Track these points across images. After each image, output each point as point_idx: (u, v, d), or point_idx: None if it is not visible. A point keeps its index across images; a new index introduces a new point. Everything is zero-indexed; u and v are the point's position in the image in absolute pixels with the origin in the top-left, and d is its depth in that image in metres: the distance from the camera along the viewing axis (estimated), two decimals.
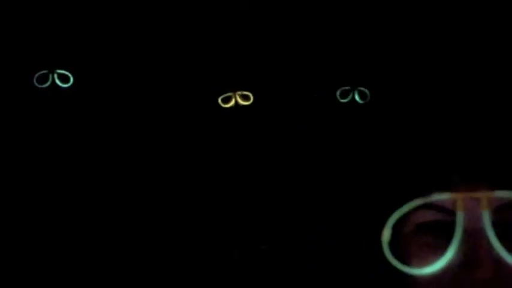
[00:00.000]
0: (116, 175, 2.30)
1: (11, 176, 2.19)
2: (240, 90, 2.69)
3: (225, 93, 2.68)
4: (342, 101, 2.66)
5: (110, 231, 2.11)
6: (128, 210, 2.19)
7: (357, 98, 2.66)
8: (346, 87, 2.68)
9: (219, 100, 2.67)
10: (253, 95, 2.69)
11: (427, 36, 2.55)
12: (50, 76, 2.42)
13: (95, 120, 2.45)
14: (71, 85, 2.45)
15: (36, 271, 1.99)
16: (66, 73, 2.45)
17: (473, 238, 0.53)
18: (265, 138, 2.58)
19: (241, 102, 2.67)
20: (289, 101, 2.69)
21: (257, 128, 2.64)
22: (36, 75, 2.42)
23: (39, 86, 2.41)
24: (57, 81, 2.42)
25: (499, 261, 0.53)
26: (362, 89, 2.67)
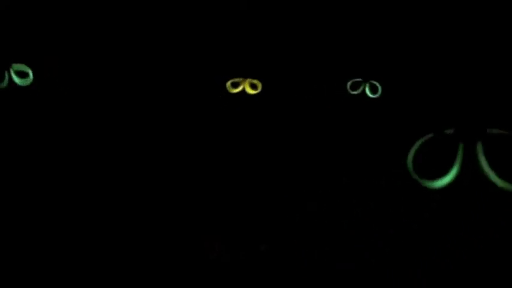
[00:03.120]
0: (118, 164, 2.29)
1: None
2: (250, 78, 2.75)
3: (236, 78, 2.74)
4: (353, 92, 2.70)
5: (109, 228, 2.11)
6: (130, 202, 2.19)
7: (367, 91, 2.69)
8: (358, 79, 2.72)
9: (228, 84, 2.73)
10: (262, 86, 2.75)
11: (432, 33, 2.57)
12: (6, 74, 2.26)
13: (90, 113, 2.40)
14: (31, 82, 2.29)
15: (36, 271, 1.99)
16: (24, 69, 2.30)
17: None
18: (266, 128, 2.60)
19: (248, 90, 2.73)
20: (296, 97, 2.73)
21: (260, 117, 2.68)
22: None
23: None
24: (15, 78, 2.26)
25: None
26: (373, 82, 2.70)
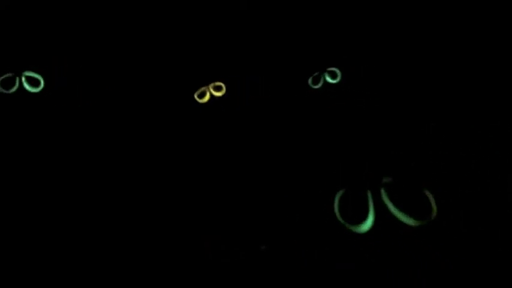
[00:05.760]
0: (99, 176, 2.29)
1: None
2: (212, 82, 2.78)
3: (199, 88, 2.78)
4: (314, 87, 2.71)
5: (108, 228, 2.12)
6: (129, 202, 2.19)
7: (328, 79, 2.70)
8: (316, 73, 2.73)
9: (195, 96, 2.76)
10: (225, 85, 2.77)
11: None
12: (17, 80, 2.26)
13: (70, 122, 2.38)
14: (41, 89, 2.28)
15: (36, 271, 1.99)
16: (36, 76, 2.29)
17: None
18: (245, 128, 2.61)
19: (215, 94, 2.76)
20: (261, 89, 2.76)
21: (234, 117, 2.69)
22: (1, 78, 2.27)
23: (5, 91, 2.26)
24: (26, 85, 2.26)
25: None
26: (332, 69, 2.70)
